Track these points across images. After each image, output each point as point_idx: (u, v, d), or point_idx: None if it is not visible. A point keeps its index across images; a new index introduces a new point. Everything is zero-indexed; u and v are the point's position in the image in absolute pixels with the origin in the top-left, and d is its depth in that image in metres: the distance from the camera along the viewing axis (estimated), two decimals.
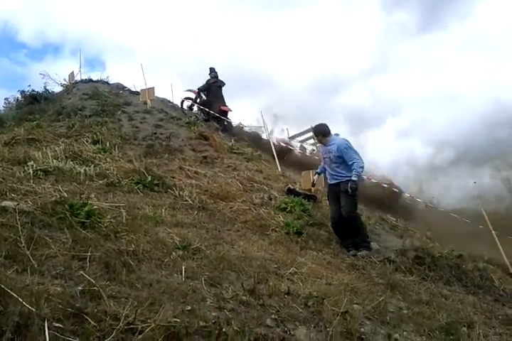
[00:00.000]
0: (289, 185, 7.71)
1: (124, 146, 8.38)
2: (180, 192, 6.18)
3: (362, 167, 5.81)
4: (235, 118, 13.64)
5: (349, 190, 5.67)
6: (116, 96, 12.23)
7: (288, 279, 4.00)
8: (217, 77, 13.04)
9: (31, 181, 5.10)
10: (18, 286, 2.45)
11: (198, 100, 13.17)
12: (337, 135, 19.15)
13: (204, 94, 13.13)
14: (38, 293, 2.46)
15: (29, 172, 5.47)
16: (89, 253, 3.28)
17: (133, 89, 13.74)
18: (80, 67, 15.09)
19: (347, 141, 6.23)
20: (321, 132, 6.33)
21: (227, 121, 12.46)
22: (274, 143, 10.75)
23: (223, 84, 13.02)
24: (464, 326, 3.81)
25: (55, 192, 4.59)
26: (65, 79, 13.87)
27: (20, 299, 2.23)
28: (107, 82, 14.29)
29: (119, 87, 14.30)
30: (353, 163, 5.80)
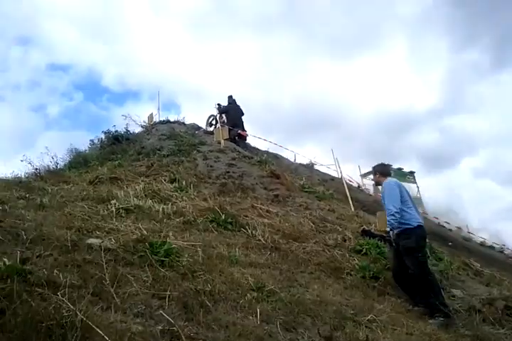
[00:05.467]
0: (364, 226, 7.48)
1: (199, 185, 8.63)
2: (253, 231, 6.19)
3: (392, 215, 5.06)
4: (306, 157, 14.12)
5: (402, 251, 5.10)
6: (191, 136, 12.75)
7: (366, 327, 3.83)
8: (235, 103, 14.03)
9: (114, 219, 5.36)
10: (103, 323, 2.55)
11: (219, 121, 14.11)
12: (412, 173, 18.55)
13: (226, 117, 14.01)
14: (121, 331, 2.54)
15: (112, 211, 5.76)
16: (168, 293, 3.35)
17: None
18: (159, 109, 15.83)
19: (391, 183, 5.45)
20: (378, 169, 5.73)
21: (243, 143, 13.63)
22: (346, 182, 10.58)
23: (242, 113, 13.94)
24: None
25: (135, 230, 4.78)
26: (144, 121, 14.64)
27: (106, 337, 2.31)
28: (183, 123, 14.84)
29: (194, 127, 14.91)
30: (387, 210, 5.19)
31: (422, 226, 5.24)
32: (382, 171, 5.71)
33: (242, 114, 13.99)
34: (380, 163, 5.91)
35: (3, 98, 63.11)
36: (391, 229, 5.17)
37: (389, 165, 5.91)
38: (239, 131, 13.38)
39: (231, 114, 13.81)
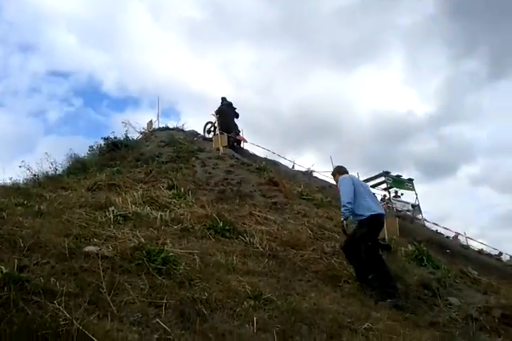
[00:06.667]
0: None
1: (197, 191, 8.63)
2: (251, 239, 6.20)
3: (344, 206, 5.43)
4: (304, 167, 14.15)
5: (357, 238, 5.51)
6: (190, 143, 12.75)
7: (362, 335, 3.82)
8: (230, 104, 14.04)
9: (112, 226, 5.36)
10: (99, 332, 2.55)
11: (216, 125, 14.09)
12: (410, 180, 18.60)
13: (217, 119, 13.99)
14: (117, 339, 2.54)
15: (110, 218, 5.76)
16: (164, 301, 3.36)
17: None
18: (158, 116, 15.83)
19: (345, 177, 5.82)
20: (336, 170, 6.23)
21: (240, 148, 13.93)
22: None
23: (236, 116, 14.01)
24: None
25: (133, 237, 4.78)
26: (143, 128, 14.64)
27: None
28: (182, 130, 14.78)
29: (194, 134, 14.91)
30: (341, 201, 5.57)
31: (376, 215, 5.48)
32: (339, 170, 6.14)
33: (236, 116, 13.99)
34: (336, 165, 6.61)
35: (3, 103, 63.40)
36: (345, 219, 5.49)
37: (344, 167, 6.25)
38: (236, 137, 13.43)
39: (223, 116, 13.81)
